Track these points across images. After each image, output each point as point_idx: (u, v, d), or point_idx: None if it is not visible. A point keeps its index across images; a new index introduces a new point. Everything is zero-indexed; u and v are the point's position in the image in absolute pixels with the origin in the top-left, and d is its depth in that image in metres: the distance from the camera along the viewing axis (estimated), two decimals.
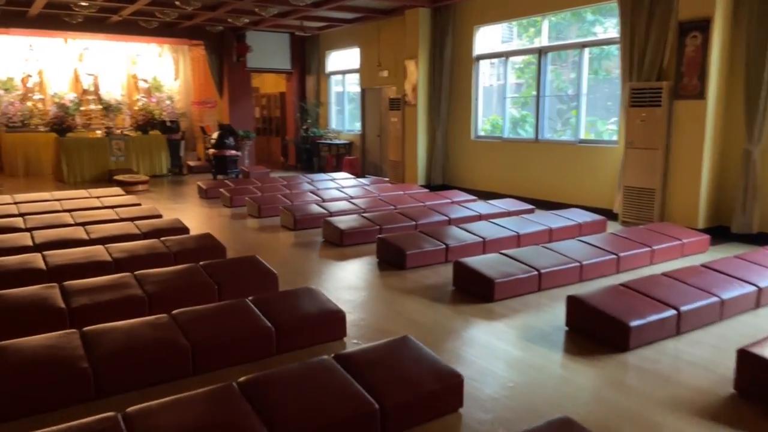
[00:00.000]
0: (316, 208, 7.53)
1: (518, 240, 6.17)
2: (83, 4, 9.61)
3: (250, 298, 3.86)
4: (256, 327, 3.48)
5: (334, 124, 14.08)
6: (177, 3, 9.58)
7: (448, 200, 8.45)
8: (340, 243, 6.34)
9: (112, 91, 14.39)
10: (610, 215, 7.61)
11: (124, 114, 14.05)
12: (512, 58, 9.85)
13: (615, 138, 8.04)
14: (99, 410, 2.67)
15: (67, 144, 11.83)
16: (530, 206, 8.05)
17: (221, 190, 9.21)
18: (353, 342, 3.76)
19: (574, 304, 3.94)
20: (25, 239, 5.61)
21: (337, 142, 13.38)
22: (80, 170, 11.95)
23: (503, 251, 5.20)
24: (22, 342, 3.15)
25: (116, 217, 6.90)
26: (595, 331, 3.80)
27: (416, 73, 10.51)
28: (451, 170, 10.74)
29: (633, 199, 7.31)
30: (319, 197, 8.61)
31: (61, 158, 11.77)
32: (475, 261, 4.85)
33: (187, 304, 3.84)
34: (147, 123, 13.16)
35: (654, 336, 3.72)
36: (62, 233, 5.90)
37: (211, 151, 12.12)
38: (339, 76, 13.80)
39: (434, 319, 4.22)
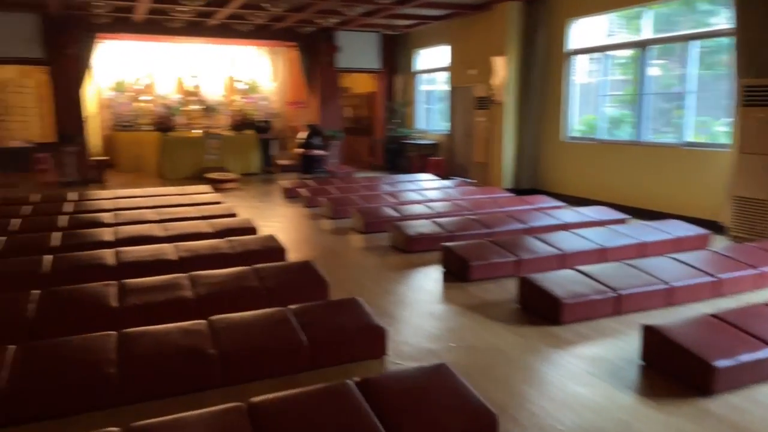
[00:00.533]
0: (388, 211, 7.32)
1: (602, 255, 5.59)
2: (180, 8, 10.03)
3: (291, 306, 3.72)
4: (289, 339, 3.31)
5: (421, 124, 13.81)
6: (265, 5, 9.76)
7: (531, 206, 7.92)
8: (406, 249, 6.08)
9: (213, 92, 15.08)
10: (717, 228, 6.75)
11: (223, 114, 14.64)
12: (616, 53, 9.08)
13: (726, 141, 7.13)
14: (117, 418, 2.62)
15: (167, 142, 12.49)
16: (623, 215, 7.33)
17: (301, 189, 9.26)
18: (395, 363, 3.50)
19: (651, 334, 3.43)
20: (105, 234, 5.86)
21: (423, 142, 13.11)
22: (179, 167, 12.56)
23: (580, 267, 4.69)
24: (60, 342, 3.19)
25: (195, 215, 7.08)
26: (674, 369, 3.27)
27: (505, 70, 10.00)
28: (540, 173, 10.13)
29: (745, 211, 6.43)
30: (395, 199, 8.39)
31: (163, 156, 12.44)
32: (544, 277, 4.40)
33: (233, 309, 3.78)
34: (241, 123, 13.61)
35: (746, 380, 3.13)
36: (141, 230, 6.11)
37: (299, 150, 12.29)
38: (427, 75, 13.52)
39: (489, 341, 3.85)
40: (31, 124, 13.80)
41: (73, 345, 3.15)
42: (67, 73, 11.18)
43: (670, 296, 4.43)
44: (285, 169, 13.68)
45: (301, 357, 3.28)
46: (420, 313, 4.40)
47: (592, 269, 4.62)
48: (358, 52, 13.76)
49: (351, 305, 3.80)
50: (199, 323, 3.42)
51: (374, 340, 3.50)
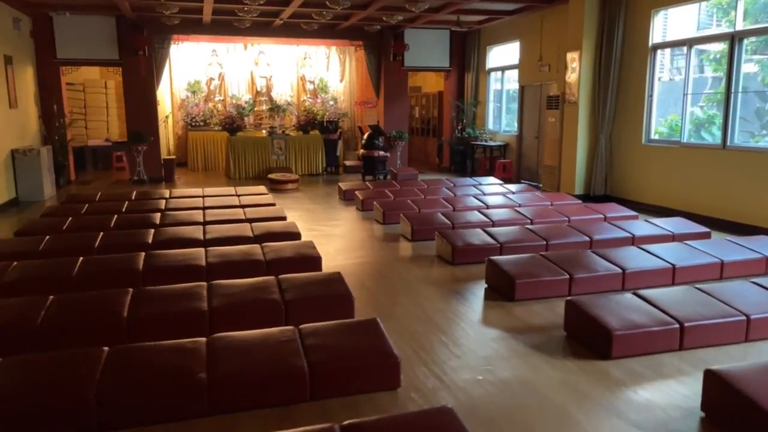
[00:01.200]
0: (439, 218, 6.88)
1: (672, 275, 4.91)
2: (246, 8, 10.04)
3: (303, 326, 3.41)
4: (287, 365, 3.00)
5: (491, 124, 13.20)
6: (328, 3, 9.57)
7: (600, 216, 7.21)
8: (452, 261, 5.64)
9: (283, 92, 15.18)
10: None
11: (292, 114, 14.68)
12: (705, 47, 8.16)
13: None
14: None
15: (234, 142, 12.65)
16: (705, 229, 6.49)
17: (356, 192, 8.99)
18: (410, 396, 3.10)
19: (712, 381, 2.83)
20: (143, 236, 5.82)
21: (492, 143, 12.50)
22: (245, 167, 12.70)
23: (641, 291, 4.08)
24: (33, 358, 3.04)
25: (242, 217, 6.96)
26: (739, 425, 2.67)
27: (578, 66, 9.27)
28: (615, 179, 9.31)
29: None
30: (451, 205, 7.92)
31: (229, 156, 12.62)
32: (594, 302, 3.84)
33: (244, 325, 3.55)
34: (308, 123, 13.58)
35: None
36: (182, 231, 6.05)
37: (361, 151, 12.07)
38: (498, 73, 12.89)
39: (524, 375, 3.37)
40: (112, 123, 14.48)
41: (45, 362, 2.98)
42: (138, 73, 11.52)
43: (750, 330, 3.74)
44: (350, 170, 13.51)
45: (299, 386, 2.95)
46: (451, 337, 3.96)
47: (653, 294, 4.00)
48: (426, 50, 13.35)
49: (368, 328, 3.43)
50: (196, 341, 3.17)
51: (386, 370, 3.12)
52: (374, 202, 8.02)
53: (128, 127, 11.89)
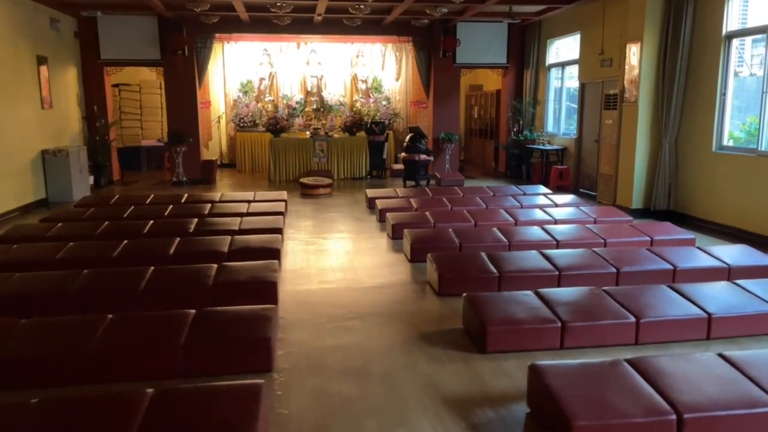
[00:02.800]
0: (449, 236, 5.94)
1: (707, 327, 3.75)
2: (278, 3, 9.55)
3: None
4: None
5: (550, 126, 11.94)
6: None
7: (646, 239, 5.98)
8: (437, 291, 4.74)
9: (335, 92, 14.66)
10: None
11: (342, 114, 14.12)
12: None
13: None
14: None
15: (275, 144, 12.25)
16: None
17: (376, 201, 8.21)
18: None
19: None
20: (113, 249, 5.36)
21: (549, 147, 11.26)
22: (285, 170, 12.27)
23: (643, 358, 3.03)
24: None
25: (233, 228, 6.41)
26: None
27: (639, 60, 7.96)
28: (680, 192, 7.91)
29: None
30: (473, 220, 6.94)
31: (271, 158, 12.24)
32: (564, 371, 2.84)
33: (135, 374, 2.91)
34: (354, 124, 12.94)
35: None
36: (153, 245, 5.55)
37: (402, 155, 11.26)
38: (559, 70, 11.61)
39: None
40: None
41: None
42: (178, 73, 11.37)
43: None
44: (397, 173, 12.74)
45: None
46: (374, 406, 3.10)
47: (655, 364, 2.93)
48: (481, 45, 12.30)
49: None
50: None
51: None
52: (387, 215, 7.20)
53: (169, 127, 11.80)
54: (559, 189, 10.44)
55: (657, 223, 6.69)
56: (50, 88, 9.70)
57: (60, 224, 6.48)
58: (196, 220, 6.67)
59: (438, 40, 12.06)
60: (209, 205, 7.69)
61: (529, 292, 4.06)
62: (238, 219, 6.79)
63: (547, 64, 11.82)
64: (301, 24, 11.74)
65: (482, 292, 4.24)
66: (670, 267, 4.89)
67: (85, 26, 11.08)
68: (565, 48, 11.37)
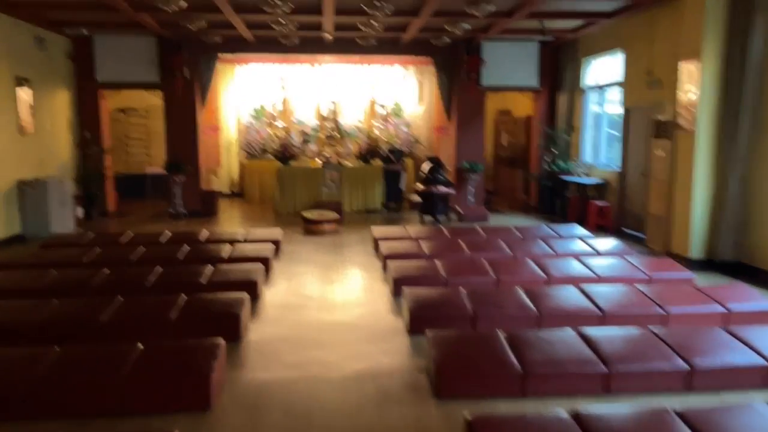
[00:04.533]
0: (455, 300, 4.69)
1: None
2: (277, 18, 8.57)
3: None
4: None
5: (587, 156, 10.59)
6: (365, 8, 7.80)
7: (719, 310, 4.60)
8: (435, 392, 3.48)
9: (352, 117, 13.65)
10: None
11: (359, 141, 13.02)
12: None
13: None
14: None
15: (282, 173, 11.22)
16: None
17: (382, 243, 6.99)
18: None
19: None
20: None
21: (586, 180, 9.90)
22: (293, 201, 11.21)
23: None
24: None
25: (198, 281, 5.28)
26: None
27: (697, 81, 6.64)
28: (751, 240, 6.49)
29: None
30: (494, 274, 5.65)
31: (278, 188, 11.21)
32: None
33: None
34: (369, 152, 11.82)
35: None
36: (86, 307, 4.47)
37: (418, 186, 10.07)
38: (598, 93, 10.28)
39: None
40: None
41: None
42: (177, 96, 10.47)
43: None
44: (415, 206, 11.53)
45: None
46: None
47: None
48: (510, 65, 11.10)
49: None
50: None
51: None
52: (389, 263, 5.97)
53: (168, 155, 10.88)
54: (598, 229, 9.08)
55: (730, 286, 5.31)
56: (33, 113, 8.86)
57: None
58: (160, 270, 5.56)
59: (461, 60, 10.92)
60: (186, 248, 6.60)
61: (565, 416, 2.76)
62: (211, 268, 5.66)
63: (583, 86, 10.53)
64: (312, 44, 10.76)
65: (498, 397, 2.99)
66: (760, 364, 3.53)
67: (79, 47, 10.31)
68: (605, 68, 10.08)
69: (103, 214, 10.70)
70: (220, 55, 11.10)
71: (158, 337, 3.95)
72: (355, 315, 5.08)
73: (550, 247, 6.81)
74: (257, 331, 4.62)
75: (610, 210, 9.28)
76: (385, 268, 6.54)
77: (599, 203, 9.41)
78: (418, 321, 4.44)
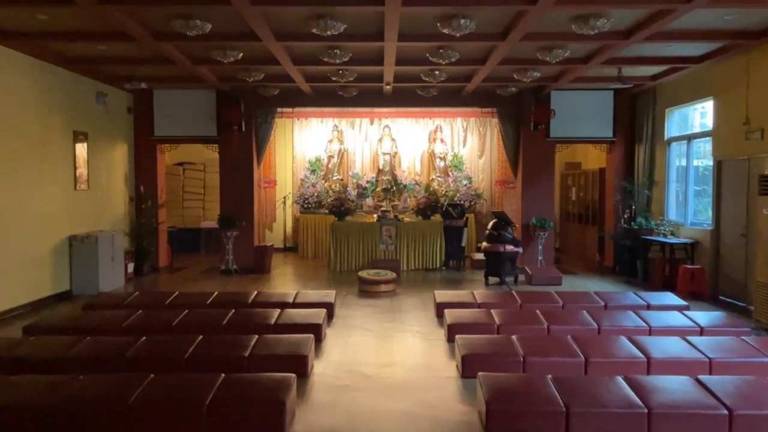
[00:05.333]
0: (537, 388, 3.85)
1: None
2: (337, 69, 8.24)
3: None
4: None
5: (672, 213, 9.58)
6: (429, 57, 7.33)
7: None
8: None
9: (409, 170, 13.16)
10: None
11: (417, 195, 12.44)
12: None
13: None
14: None
15: (337, 229, 10.70)
16: None
17: (448, 312, 6.22)
18: None
19: None
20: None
21: (673, 240, 8.87)
22: (347, 258, 10.64)
23: None
24: None
25: (237, 355, 4.67)
26: None
27: None
28: None
29: None
30: (582, 353, 4.77)
31: (332, 244, 10.68)
32: None
33: None
34: (428, 206, 11.18)
35: None
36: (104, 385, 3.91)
37: (483, 245, 9.29)
38: (683, 144, 9.36)
39: None
40: None
41: None
42: (233, 149, 10.24)
43: None
44: (479, 264, 10.73)
45: None
46: None
47: None
48: (581, 116, 10.38)
49: None
50: None
51: None
52: (458, 339, 5.19)
53: (221, 209, 10.59)
54: (691, 296, 8.00)
55: None
56: (89, 167, 8.76)
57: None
58: (200, 339, 4.99)
59: (528, 110, 10.28)
60: (230, 312, 6.03)
61: None
62: (255, 339, 5.03)
63: (666, 137, 9.63)
64: (370, 96, 10.41)
65: None
66: None
67: (139, 101, 10.33)
68: (690, 118, 9.20)
69: (154, 270, 10.43)
70: (279, 110, 10.90)
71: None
72: (417, 402, 4.30)
73: (644, 321, 5.85)
74: (304, 422, 3.92)
75: (703, 274, 8.20)
76: (449, 338, 5.76)
77: (689, 267, 8.35)
78: (498, 417, 3.62)
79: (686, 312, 6.26)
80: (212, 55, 7.24)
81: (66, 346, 4.86)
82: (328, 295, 7.12)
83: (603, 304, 6.71)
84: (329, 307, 6.74)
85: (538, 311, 6.08)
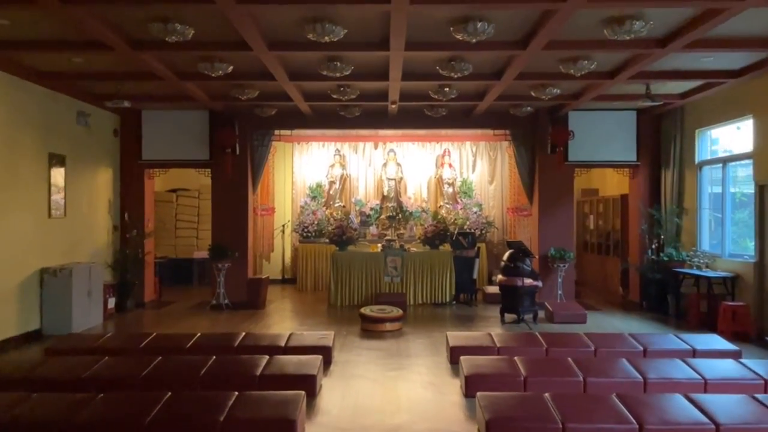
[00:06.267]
0: None
1: None
2: (338, 86, 7.53)
3: None
4: None
5: (705, 243, 8.72)
6: (440, 70, 6.60)
7: None
8: None
9: (416, 196, 12.39)
10: None
11: (425, 223, 11.60)
12: None
13: None
14: None
15: (338, 259, 9.87)
16: None
17: (465, 360, 5.32)
18: None
19: None
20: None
21: (711, 273, 7.98)
22: (349, 291, 9.78)
23: None
24: None
25: (222, 416, 3.80)
26: None
27: None
28: None
29: None
30: (634, 418, 3.89)
31: (332, 275, 9.84)
32: None
33: None
34: (436, 235, 10.34)
35: None
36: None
37: (499, 278, 8.44)
38: (717, 168, 8.55)
39: None
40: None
41: None
42: (227, 175, 9.48)
43: None
44: (492, 299, 9.86)
45: None
46: None
47: None
48: (601, 138, 9.62)
49: None
50: None
51: None
52: (479, 396, 4.30)
53: (213, 238, 9.80)
54: (734, 336, 7.08)
55: None
56: (65, 193, 8.00)
57: None
58: (168, 397, 4.13)
59: (544, 132, 9.53)
60: (210, 360, 5.15)
61: None
62: (232, 396, 4.16)
63: (696, 161, 8.83)
64: (375, 116, 9.69)
65: None
66: None
67: (127, 123, 9.63)
68: (725, 139, 8.42)
69: (139, 305, 9.57)
70: (277, 133, 10.18)
71: None
72: None
73: (696, 372, 4.95)
74: None
75: (747, 312, 7.30)
76: (467, 392, 4.88)
77: (731, 303, 7.45)
78: None
79: (741, 360, 5.36)
80: (199, 68, 6.53)
81: (8, 406, 4.01)
82: (326, 337, 6.25)
83: (642, 349, 5.83)
84: (326, 352, 5.87)
85: (570, 360, 5.19)
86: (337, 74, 6.55)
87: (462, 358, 5.32)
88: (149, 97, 8.59)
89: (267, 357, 5.25)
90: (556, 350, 5.77)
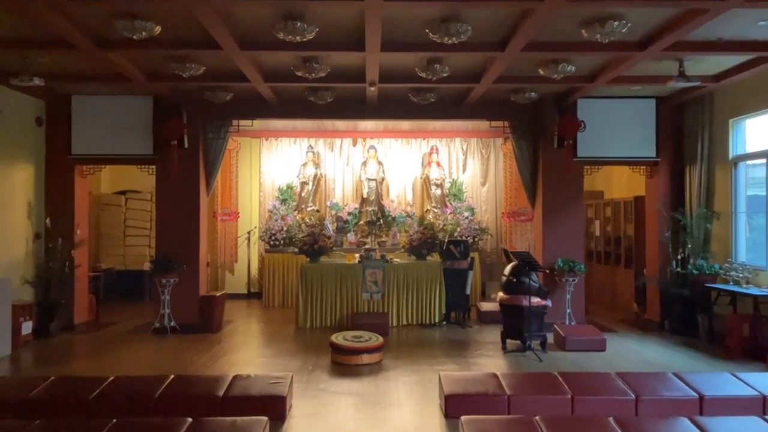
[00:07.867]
0: None
1: None
2: (308, 65, 6.06)
3: None
4: None
5: (742, 254, 7.34)
6: (430, 33, 5.14)
7: None
8: None
9: (399, 199, 10.95)
10: None
11: (410, 229, 10.10)
12: None
13: None
14: None
15: (308, 272, 8.37)
16: None
17: (466, 421, 3.85)
18: None
19: None
20: None
21: (756, 291, 6.57)
22: (321, 311, 8.29)
23: None
24: None
25: None
26: None
27: None
28: None
29: None
30: None
31: (301, 292, 8.33)
32: None
33: None
34: (423, 244, 8.86)
35: None
36: None
37: (499, 295, 6.98)
38: (758, 166, 7.19)
39: None
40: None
41: None
42: (173, 172, 7.92)
43: None
44: (489, 318, 8.44)
45: None
46: None
47: None
48: (614, 130, 8.23)
49: None
50: None
51: None
52: None
53: (157, 249, 8.25)
54: None
55: None
56: None
57: None
58: None
59: (549, 122, 8.12)
60: (110, 424, 3.63)
61: None
62: None
63: (731, 156, 7.47)
64: (351, 104, 8.22)
65: None
66: None
67: (53, 110, 8.04)
68: (764, 130, 7.07)
69: (67, 328, 7.95)
70: (236, 124, 8.65)
71: None
72: None
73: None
74: None
75: None
76: None
77: None
78: None
79: None
80: (117, 27, 5.01)
81: None
82: (280, 382, 4.71)
83: (696, 395, 4.42)
84: (278, 405, 4.36)
85: (612, 421, 3.73)
86: (298, 38, 5.06)
87: (463, 419, 3.83)
88: (73, 77, 7.02)
89: (189, 421, 3.71)
90: (584, 400, 4.35)
